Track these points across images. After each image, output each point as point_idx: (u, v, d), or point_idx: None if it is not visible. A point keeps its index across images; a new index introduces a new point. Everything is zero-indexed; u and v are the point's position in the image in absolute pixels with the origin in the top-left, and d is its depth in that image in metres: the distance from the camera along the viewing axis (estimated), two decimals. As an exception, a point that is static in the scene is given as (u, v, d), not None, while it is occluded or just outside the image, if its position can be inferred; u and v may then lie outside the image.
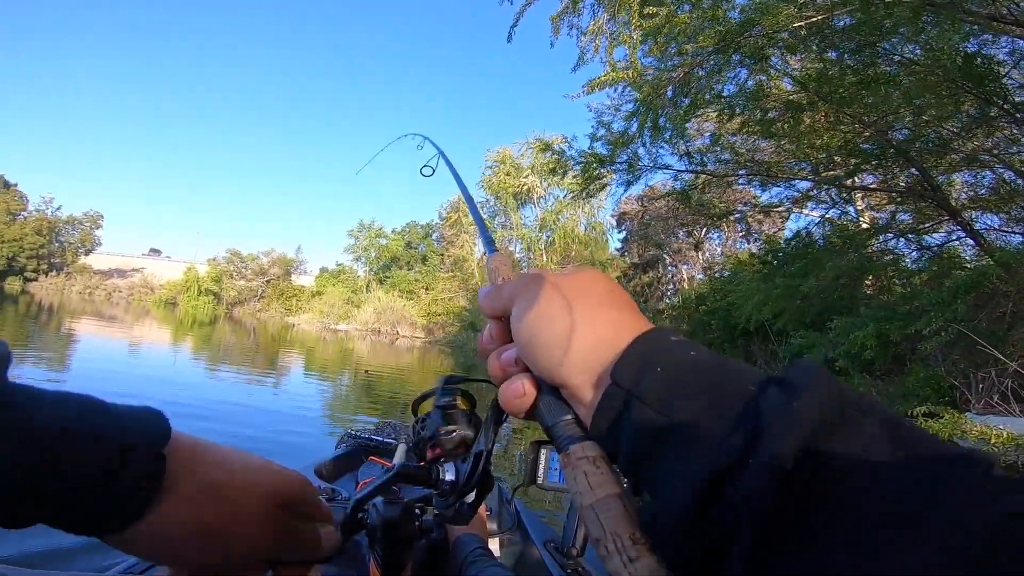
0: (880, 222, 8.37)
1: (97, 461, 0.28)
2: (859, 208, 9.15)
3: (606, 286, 0.32)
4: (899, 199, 7.73)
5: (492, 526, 1.56)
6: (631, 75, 5.78)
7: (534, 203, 27.90)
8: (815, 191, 8.37)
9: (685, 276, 26.42)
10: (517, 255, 29.29)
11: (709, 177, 8.02)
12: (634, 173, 7.31)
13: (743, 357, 11.98)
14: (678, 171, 7.82)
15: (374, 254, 40.22)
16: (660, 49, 5.51)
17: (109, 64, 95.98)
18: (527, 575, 1.52)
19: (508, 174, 27.39)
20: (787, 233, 12.52)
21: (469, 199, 0.72)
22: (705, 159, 7.93)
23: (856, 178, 7.91)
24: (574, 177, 7.97)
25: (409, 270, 39.20)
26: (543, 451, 0.61)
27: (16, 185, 38.12)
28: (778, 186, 8.42)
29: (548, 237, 26.73)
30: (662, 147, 7.36)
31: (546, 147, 8.31)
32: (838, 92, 6.14)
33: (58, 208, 37.37)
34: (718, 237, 28.51)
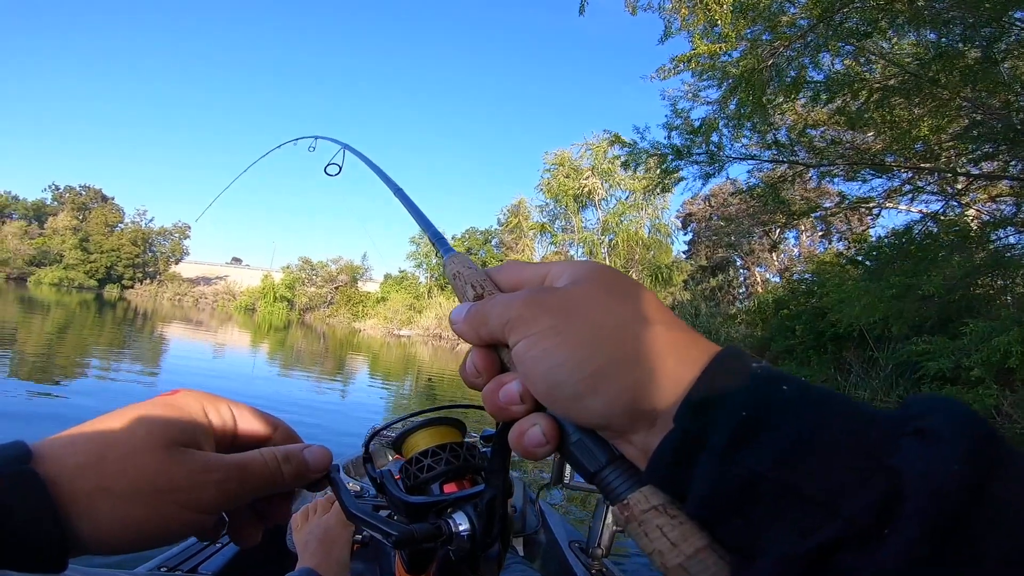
0: (999, 215, 7.34)
1: None
2: (964, 202, 8.10)
3: (637, 293, 0.27)
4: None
5: (517, 526, 1.54)
6: (724, 48, 5.27)
7: (595, 205, 27.25)
8: (922, 182, 7.46)
9: (759, 278, 24.93)
10: (579, 259, 28.73)
11: (800, 168, 7.31)
12: (716, 164, 6.76)
13: (834, 366, 10.97)
14: (766, 161, 7.16)
15: (435, 260, 40.89)
16: (753, 22, 5.00)
17: (195, 95, 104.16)
18: (552, 574, 1.48)
19: (567, 176, 26.94)
20: (877, 231, 11.42)
21: (397, 190, 0.63)
22: (796, 149, 7.21)
23: (971, 167, 6.97)
24: (647, 171, 7.50)
25: (470, 277, 39.42)
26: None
27: (113, 199, 42.03)
28: (878, 178, 7.57)
29: (611, 240, 26.01)
30: (745, 136, 6.76)
31: (616, 139, 7.88)
32: (957, 70, 5.38)
33: (151, 220, 40.85)
34: (794, 237, 26.77)
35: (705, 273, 26.03)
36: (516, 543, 1.51)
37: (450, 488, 0.48)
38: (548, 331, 0.26)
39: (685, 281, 26.65)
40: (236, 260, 57.81)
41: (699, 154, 6.77)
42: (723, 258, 26.11)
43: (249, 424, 0.35)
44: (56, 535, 0.25)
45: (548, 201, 28.76)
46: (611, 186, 27.06)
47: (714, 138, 6.74)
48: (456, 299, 0.36)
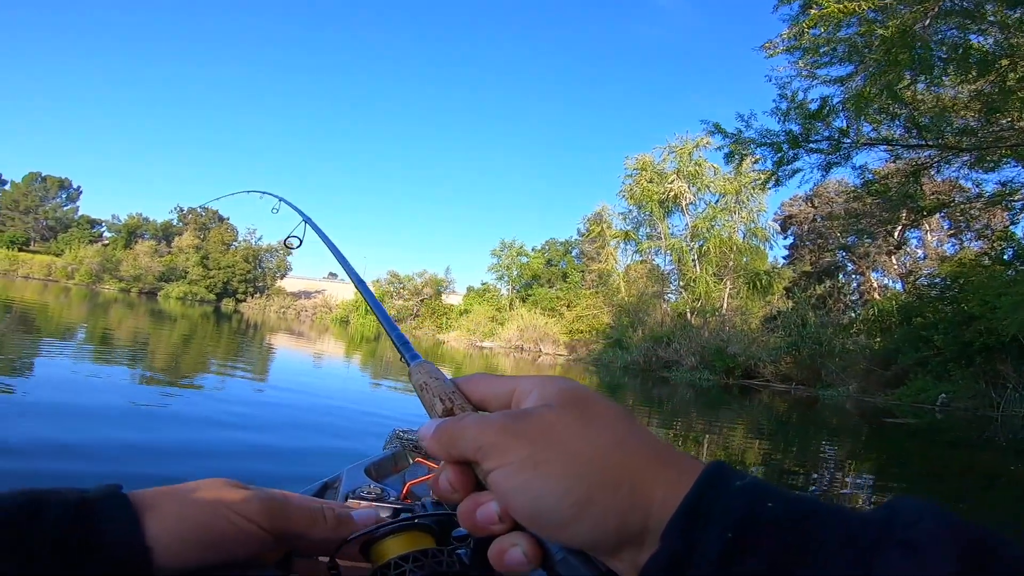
0: None
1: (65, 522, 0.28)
2: None
3: (611, 416, 0.28)
4: None
5: None
6: (865, 4, 4.55)
7: (682, 210, 25.94)
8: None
9: (874, 284, 22.41)
10: (666, 267, 27.51)
11: (946, 155, 6.25)
12: (840, 152, 5.94)
13: (984, 380, 9.40)
14: (906, 146, 6.17)
15: (516, 272, 41.09)
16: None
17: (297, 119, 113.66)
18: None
19: (651, 181, 25.88)
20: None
21: (359, 281, 0.63)
22: (943, 131, 6.14)
23: None
24: (755, 162, 6.79)
25: (550, 287, 39.37)
26: None
27: (228, 219, 46.54)
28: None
29: (700, 246, 24.57)
30: (879, 118, 5.89)
31: (717, 129, 7.26)
32: None
33: (259, 238, 44.73)
34: (916, 238, 23.88)
35: (810, 280, 23.85)
36: None
37: None
38: (526, 461, 0.26)
39: (787, 289, 24.58)
40: (332, 275, 61.67)
41: (819, 140, 5.98)
42: (831, 263, 23.81)
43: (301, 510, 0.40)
44: (135, 536, 0.30)
45: (631, 208, 27.78)
46: (699, 189, 25.64)
47: (836, 123, 5.92)
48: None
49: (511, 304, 37.70)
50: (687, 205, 25.59)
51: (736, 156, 6.91)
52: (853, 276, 24.58)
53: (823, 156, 6.05)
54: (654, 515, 0.24)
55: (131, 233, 45.65)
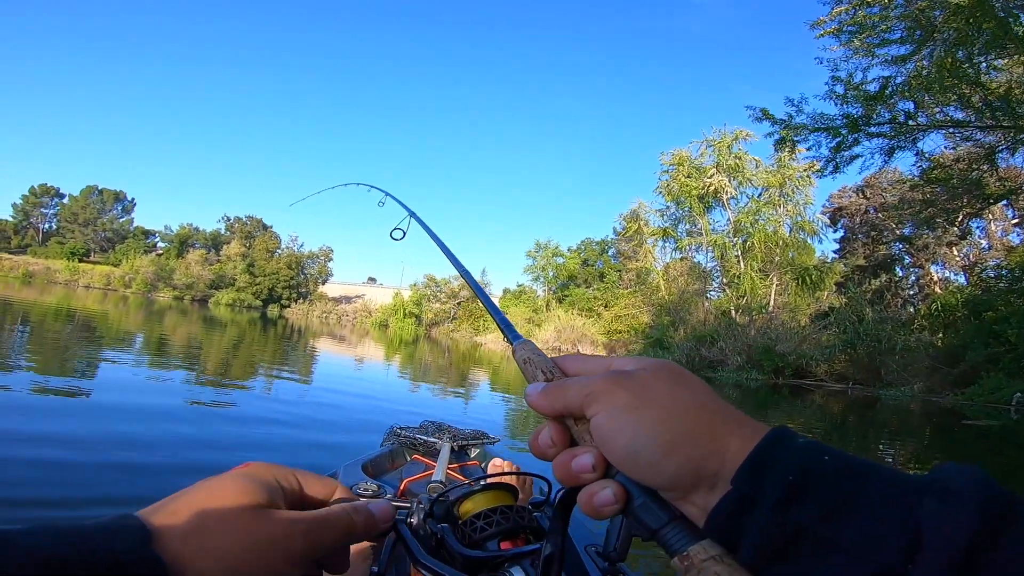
0: None
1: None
2: None
3: (697, 384, 0.33)
4: None
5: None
6: None
7: (723, 205, 25.13)
8: None
9: (935, 277, 21.09)
10: (708, 264, 26.73)
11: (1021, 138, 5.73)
12: (905, 135, 5.53)
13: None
14: (980, 127, 5.66)
15: (552, 273, 40.87)
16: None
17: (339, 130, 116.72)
18: None
19: (689, 176, 25.17)
20: None
21: (464, 272, 0.65)
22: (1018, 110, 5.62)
23: None
24: (808, 149, 6.42)
25: (587, 288, 38.97)
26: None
27: (272, 227, 48.16)
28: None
29: (744, 241, 23.73)
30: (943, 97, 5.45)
31: (765, 115, 6.87)
32: None
33: (301, 245, 46.07)
34: (979, 228, 22.41)
35: (864, 274, 22.67)
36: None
37: (506, 546, 0.52)
38: (627, 406, 0.31)
39: (839, 284, 23.46)
40: (371, 280, 62.99)
41: (881, 124, 5.59)
42: (886, 256, 22.57)
43: (313, 487, 0.38)
44: None
45: (669, 204, 27.12)
46: (740, 183, 24.78)
47: (900, 105, 5.52)
48: (525, 379, 0.40)
49: (548, 305, 37.50)
50: (728, 200, 24.77)
51: (787, 143, 6.55)
52: (911, 269, 23.24)
53: (886, 140, 5.65)
54: (728, 462, 0.28)
55: (183, 242, 47.83)
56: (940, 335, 15.53)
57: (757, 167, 24.34)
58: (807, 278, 22.51)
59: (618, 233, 40.02)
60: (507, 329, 0.49)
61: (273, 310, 41.81)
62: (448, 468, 1.66)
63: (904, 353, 15.48)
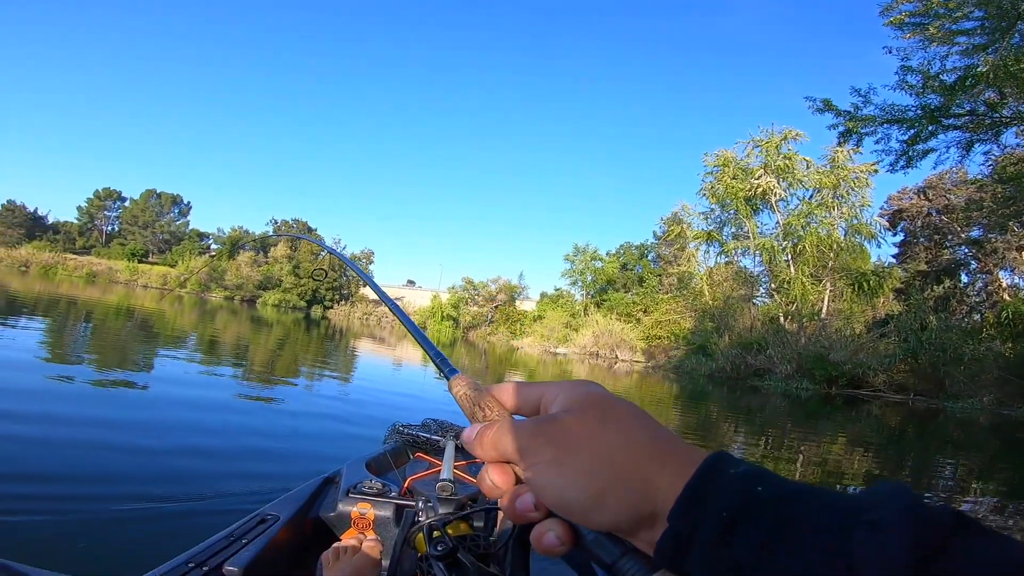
0: None
1: None
2: None
3: (626, 417, 0.32)
4: None
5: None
6: None
7: (772, 207, 24.18)
8: None
9: (1004, 283, 19.62)
10: (755, 269, 25.80)
11: None
12: (990, 128, 5.07)
13: None
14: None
15: (590, 277, 40.39)
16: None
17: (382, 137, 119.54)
18: None
19: (734, 177, 24.34)
20: None
21: (393, 305, 0.69)
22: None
23: None
24: (877, 143, 5.99)
25: (626, 292, 38.31)
26: None
27: (316, 230, 49.61)
28: None
29: (795, 245, 22.73)
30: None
31: (827, 107, 6.43)
32: None
33: (344, 248, 47.23)
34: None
35: (926, 280, 21.34)
36: None
37: None
38: (552, 462, 0.31)
39: (898, 290, 22.18)
40: (411, 282, 63.92)
41: (960, 116, 5.15)
42: (951, 260, 21.17)
43: None
44: None
45: (713, 207, 26.30)
46: (790, 184, 23.78)
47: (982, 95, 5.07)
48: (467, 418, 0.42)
49: (585, 310, 37.07)
50: (777, 202, 23.81)
51: (853, 136, 6.15)
52: (978, 275, 21.71)
53: (965, 133, 5.20)
54: (660, 501, 0.28)
55: (234, 244, 49.87)
56: (1010, 344, 14.42)
57: (808, 168, 23.33)
58: (864, 284, 21.35)
59: (658, 237, 39.24)
60: (441, 362, 0.50)
61: (316, 311, 42.95)
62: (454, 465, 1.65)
63: (971, 363, 14.46)
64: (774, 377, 18.07)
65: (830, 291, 22.27)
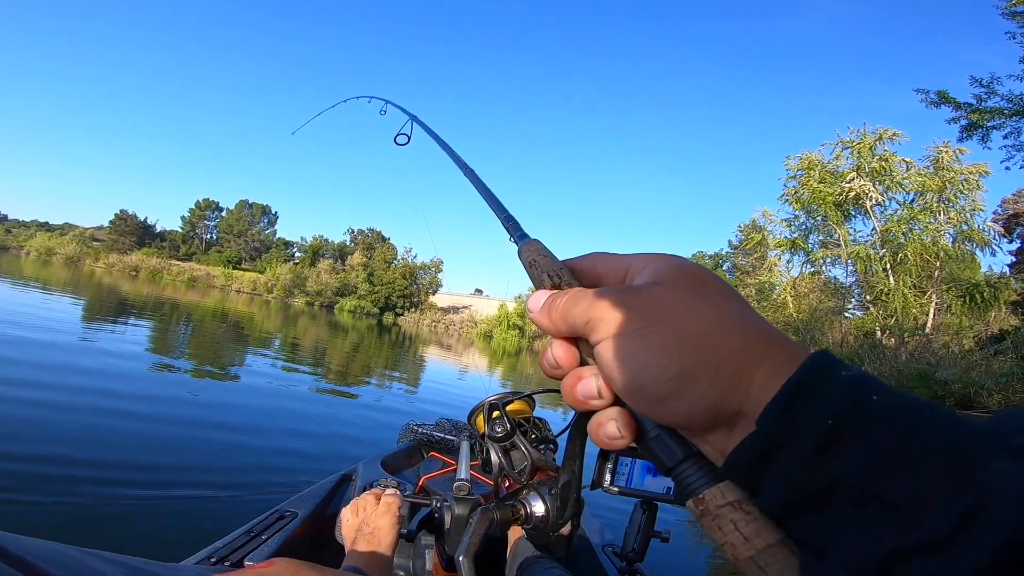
0: None
1: None
2: None
3: (722, 294, 0.28)
4: None
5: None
6: None
7: (867, 213, 22.21)
8: None
9: None
10: (847, 279, 23.83)
11: None
12: None
13: None
14: None
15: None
16: None
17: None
18: None
19: (822, 181, 22.59)
20: None
21: (467, 169, 0.65)
22: None
23: None
24: (1006, 137, 5.24)
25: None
26: (611, 453, 0.51)
27: (389, 239, 51.58)
28: None
29: (894, 253, 20.71)
30: None
31: (943, 99, 5.70)
32: None
33: (415, 256, 48.78)
34: None
35: (1053, 292, 18.74)
36: None
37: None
38: (633, 334, 0.26)
39: (1014, 302, 19.66)
40: (478, 291, 65.02)
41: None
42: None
43: None
44: None
45: (797, 213, 24.54)
46: (887, 188, 21.74)
47: None
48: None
49: (656, 320, 35.86)
50: (873, 206, 21.82)
51: (979, 130, 5.43)
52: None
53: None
54: (752, 398, 0.24)
55: (315, 253, 52.93)
56: None
57: (908, 169, 21.24)
58: (976, 296, 19.06)
59: (735, 246, 37.33)
60: (511, 227, 0.45)
61: (388, 317, 44.59)
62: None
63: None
64: (869, 397, 16.52)
65: (936, 303, 20.08)
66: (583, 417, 0.31)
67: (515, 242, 0.41)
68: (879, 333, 20.48)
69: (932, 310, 19.99)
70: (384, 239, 51.74)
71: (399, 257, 48.13)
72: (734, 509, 0.24)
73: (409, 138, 0.83)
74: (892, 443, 0.21)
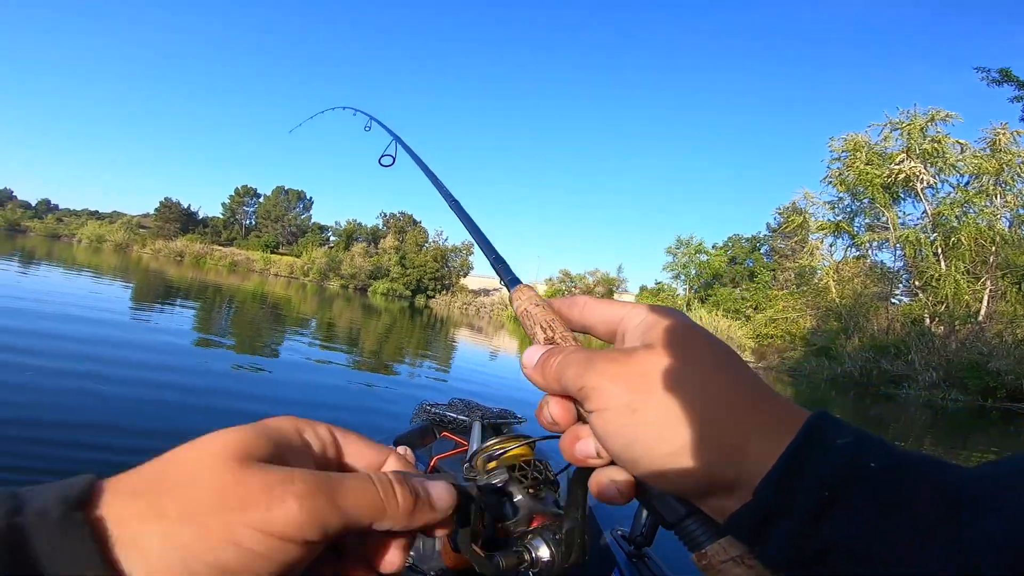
0: None
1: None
2: None
3: (712, 357, 0.27)
4: None
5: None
6: None
7: (917, 195, 21.11)
8: None
9: None
10: (895, 264, 22.81)
11: None
12: None
13: None
14: None
15: (694, 271, 38.37)
16: None
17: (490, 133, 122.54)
18: (590, 560, 1.20)
19: (869, 163, 21.55)
20: None
21: (452, 201, 0.61)
22: None
23: None
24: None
25: (734, 287, 35.86)
26: None
27: (420, 222, 52.01)
28: None
29: (946, 237, 19.67)
30: None
31: (1006, 77, 5.30)
32: None
33: (446, 239, 49.13)
34: None
35: None
36: None
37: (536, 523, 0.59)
38: (624, 408, 0.26)
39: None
40: (508, 274, 64.98)
41: None
42: None
43: (358, 450, 0.28)
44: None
45: (841, 195, 23.55)
46: (940, 170, 20.59)
47: None
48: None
49: (688, 304, 35.31)
50: (924, 189, 20.73)
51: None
52: None
53: None
54: (747, 467, 0.24)
55: (349, 237, 53.89)
56: None
57: (963, 151, 20.04)
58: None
59: (772, 229, 36.17)
60: (502, 270, 0.44)
61: (420, 300, 45.17)
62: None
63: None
64: (915, 385, 15.89)
65: (990, 290, 19.04)
66: (583, 471, 0.32)
67: (506, 287, 0.41)
68: (928, 320, 19.63)
69: (986, 297, 18.99)
70: (415, 222, 52.22)
71: (430, 240, 48.55)
72: (736, 564, 0.25)
73: (394, 159, 0.80)
74: (885, 505, 0.21)
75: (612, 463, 0.29)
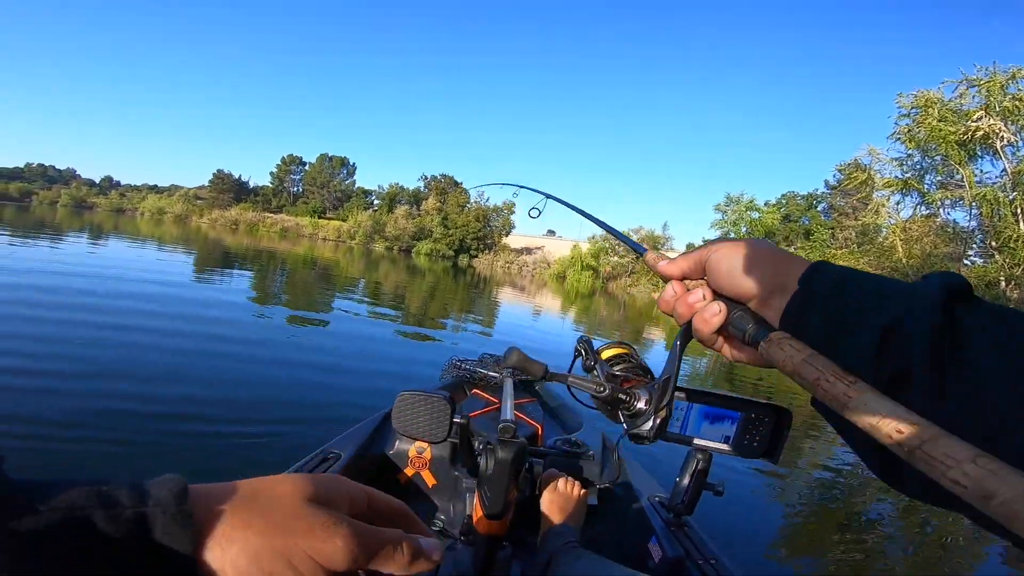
0: None
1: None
2: None
3: (771, 244, 0.45)
4: None
5: (595, 477, 1.65)
6: None
7: (996, 153, 19.28)
8: None
9: None
10: (968, 224, 21.11)
11: None
12: None
13: None
14: None
15: (744, 229, 36.78)
16: None
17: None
18: (627, 527, 1.52)
19: (942, 119, 19.76)
20: None
21: (599, 222, 0.75)
22: None
23: None
24: None
25: (788, 245, 34.27)
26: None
27: (462, 183, 51.92)
28: None
29: (1025, 195, 18.00)
30: None
31: None
32: None
33: (487, 200, 48.96)
34: None
35: None
36: (591, 493, 1.55)
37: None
38: (728, 250, 0.44)
39: None
40: (551, 232, 64.52)
41: None
42: None
43: (380, 508, 0.37)
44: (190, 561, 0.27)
45: (911, 152, 21.76)
46: (1022, 127, 18.67)
47: None
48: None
49: (737, 264, 33.94)
50: (1004, 147, 18.89)
51: None
52: None
53: None
54: (792, 276, 0.40)
55: (392, 200, 54.57)
56: None
57: None
58: None
59: (831, 186, 34.01)
60: (631, 244, 0.62)
61: (463, 260, 45.59)
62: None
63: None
64: (983, 353, 14.93)
65: (1075, 252, 17.42)
66: (688, 325, 0.45)
67: (638, 254, 0.57)
68: (1003, 284, 18.28)
69: (1069, 259, 17.39)
70: (456, 183, 52.14)
71: (472, 201, 48.53)
72: (788, 340, 0.37)
73: (540, 211, 0.95)
74: (864, 292, 0.36)
75: (712, 302, 0.44)
